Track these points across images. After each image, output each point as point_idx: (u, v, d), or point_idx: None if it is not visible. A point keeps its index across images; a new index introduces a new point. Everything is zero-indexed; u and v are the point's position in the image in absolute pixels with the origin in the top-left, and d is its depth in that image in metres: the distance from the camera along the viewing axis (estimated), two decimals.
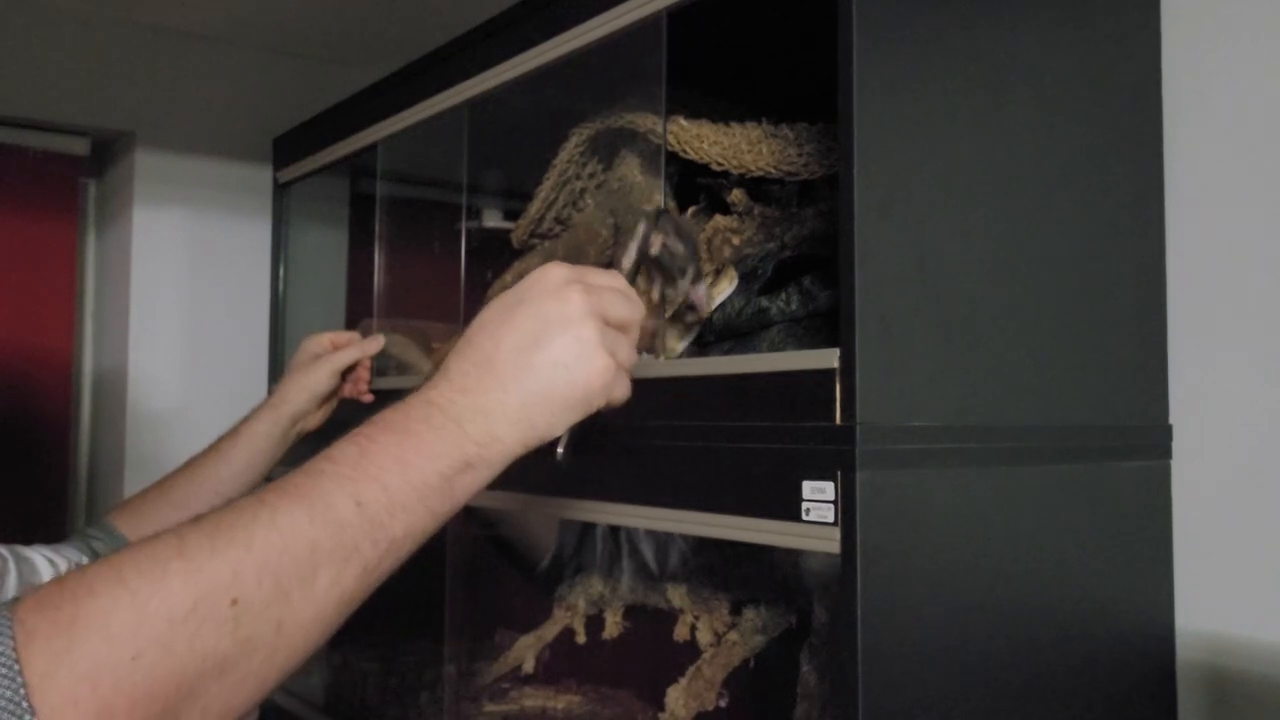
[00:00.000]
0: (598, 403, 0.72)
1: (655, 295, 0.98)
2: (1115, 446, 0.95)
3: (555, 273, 0.72)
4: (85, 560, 1.07)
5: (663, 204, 1.07)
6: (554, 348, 0.69)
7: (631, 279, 0.86)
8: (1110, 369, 0.95)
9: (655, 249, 0.91)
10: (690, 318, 1.02)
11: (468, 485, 0.67)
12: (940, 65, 0.83)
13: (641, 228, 0.91)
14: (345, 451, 0.63)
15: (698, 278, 0.97)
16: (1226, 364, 0.97)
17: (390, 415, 0.66)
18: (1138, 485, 0.96)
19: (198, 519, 0.58)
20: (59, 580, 0.54)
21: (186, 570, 0.54)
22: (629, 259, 0.89)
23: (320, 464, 0.62)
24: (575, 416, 0.71)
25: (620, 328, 0.74)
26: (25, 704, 0.48)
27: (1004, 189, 0.87)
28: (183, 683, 0.53)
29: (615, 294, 0.74)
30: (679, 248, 0.93)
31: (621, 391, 0.74)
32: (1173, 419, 0.99)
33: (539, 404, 0.69)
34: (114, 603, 0.52)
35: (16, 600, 0.52)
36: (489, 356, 0.69)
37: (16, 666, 0.49)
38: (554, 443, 0.72)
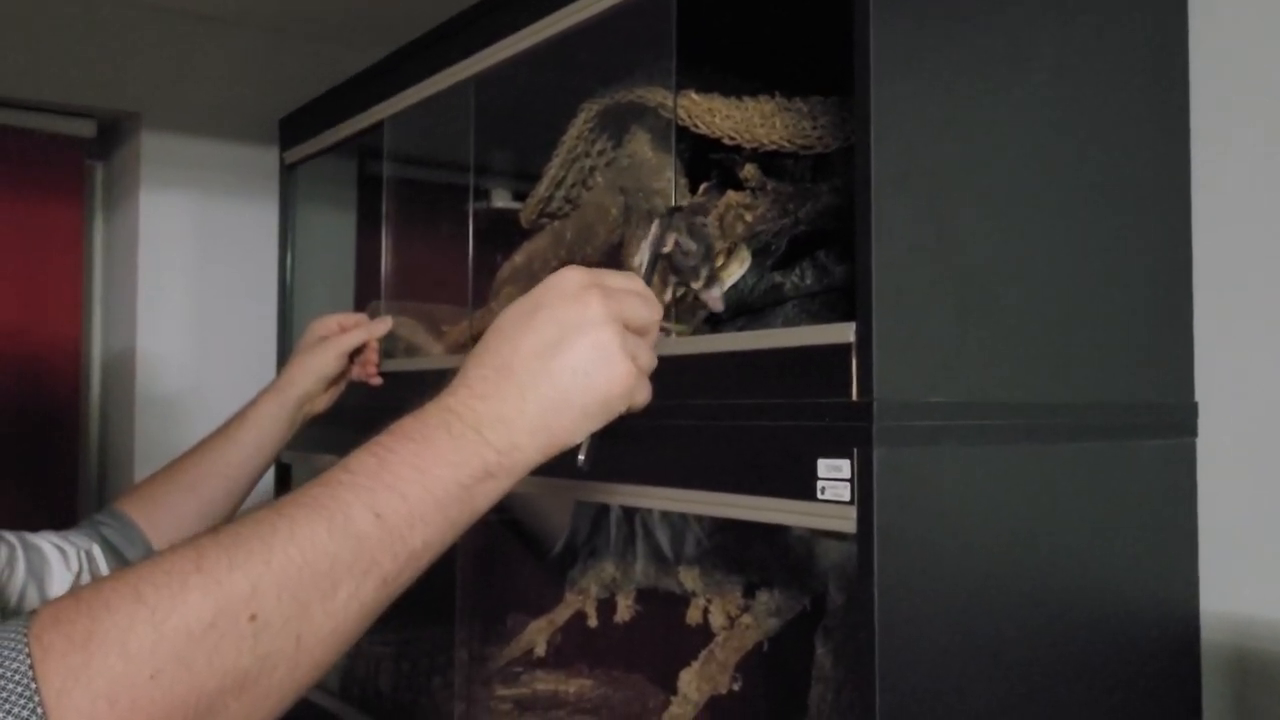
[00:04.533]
0: (619, 408, 0.70)
1: (668, 295, 0.96)
2: (1139, 424, 0.93)
3: (573, 277, 0.71)
4: (94, 546, 1.07)
5: (674, 179, 1.06)
6: (573, 354, 0.68)
7: (648, 279, 0.85)
8: (1134, 344, 0.93)
9: (668, 247, 0.90)
10: (700, 312, 1.01)
11: (487, 494, 0.65)
12: (959, 34, 0.81)
13: (655, 227, 0.90)
14: (363, 462, 0.62)
15: (711, 280, 0.96)
16: (1253, 340, 0.95)
17: (408, 424, 0.65)
18: (1162, 464, 0.94)
19: (215, 531, 0.57)
20: (75, 594, 0.53)
21: (205, 585, 0.53)
22: (643, 259, 0.88)
23: (338, 474, 0.61)
24: (596, 423, 0.70)
25: (640, 331, 0.72)
26: None
27: (1024, 160, 0.85)
28: (202, 699, 0.52)
29: (634, 297, 0.72)
30: (692, 246, 0.92)
31: (643, 396, 0.72)
32: (1198, 396, 0.97)
33: (559, 411, 0.67)
34: (131, 619, 0.51)
35: (32, 614, 0.51)
36: (507, 363, 0.68)
37: (34, 685, 0.48)
38: (575, 448, 0.71)
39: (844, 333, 0.75)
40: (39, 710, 0.47)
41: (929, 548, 0.76)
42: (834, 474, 0.75)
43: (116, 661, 0.49)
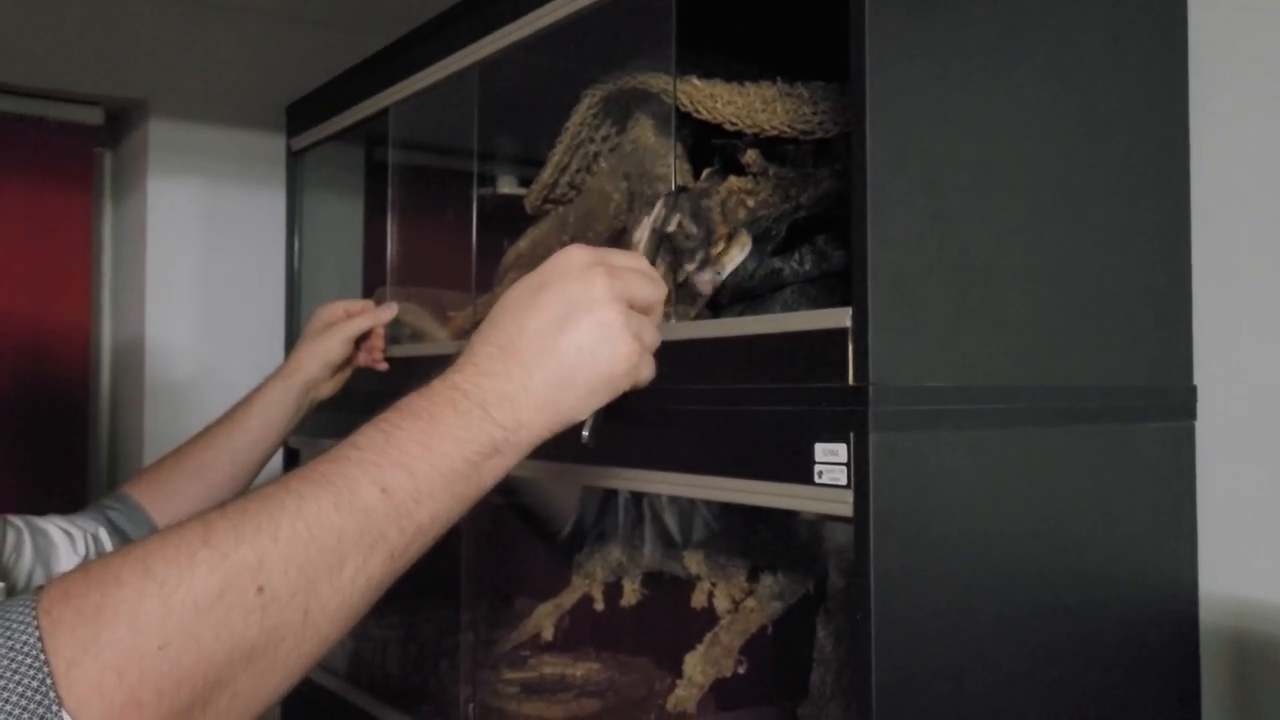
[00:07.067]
0: (623, 386, 0.71)
1: (662, 274, 0.97)
2: (1138, 407, 0.93)
3: (578, 255, 0.72)
4: (101, 530, 1.08)
5: (674, 164, 1.06)
6: (578, 332, 0.69)
7: (652, 259, 0.85)
8: (1132, 327, 0.93)
9: (672, 227, 0.91)
10: (684, 296, 1.01)
11: (494, 470, 0.66)
12: (956, 18, 0.81)
13: (660, 206, 0.90)
14: (370, 438, 0.63)
15: (705, 262, 0.96)
16: (1253, 323, 0.95)
17: (415, 400, 0.66)
18: (1161, 447, 0.94)
19: (223, 507, 0.58)
20: (84, 568, 0.54)
21: (213, 559, 0.54)
22: (646, 237, 0.88)
23: (346, 450, 0.62)
24: (601, 400, 0.71)
25: (644, 309, 0.73)
26: (52, 694, 0.48)
27: (1022, 144, 0.85)
28: (210, 671, 0.53)
29: (639, 275, 0.73)
30: (693, 229, 0.93)
31: (647, 373, 0.73)
32: (1197, 379, 0.97)
33: (564, 388, 0.68)
34: (140, 592, 0.52)
35: (41, 589, 0.52)
36: (513, 340, 0.69)
37: (43, 657, 0.49)
38: (580, 425, 0.72)
39: (840, 318, 0.75)
40: (49, 681, 0.48)
41: (926, 531, 0.76)
42: (831, 458, 0.75)
43: (125, 634, 0.50)
